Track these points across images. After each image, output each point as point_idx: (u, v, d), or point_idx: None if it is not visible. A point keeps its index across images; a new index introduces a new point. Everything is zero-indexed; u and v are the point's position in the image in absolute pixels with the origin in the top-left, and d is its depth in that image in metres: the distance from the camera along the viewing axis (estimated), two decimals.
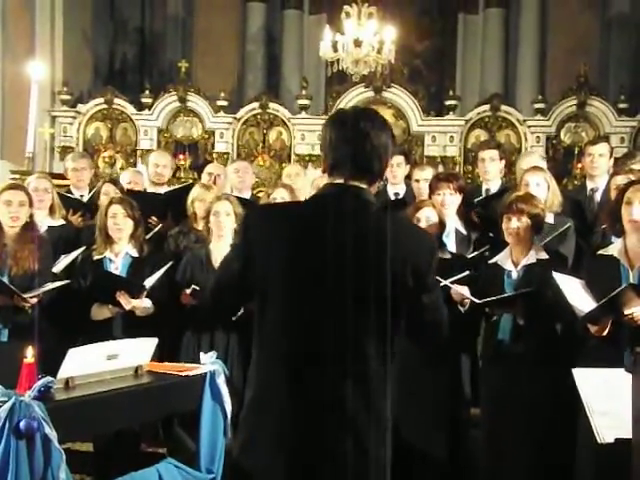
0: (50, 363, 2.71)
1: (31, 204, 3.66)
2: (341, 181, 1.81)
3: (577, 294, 2.79)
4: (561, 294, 2.80)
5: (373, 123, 1.81)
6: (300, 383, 1.74)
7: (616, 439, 1.87)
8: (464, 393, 3.59)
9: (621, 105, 7.96)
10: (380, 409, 1.79)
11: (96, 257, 3.69)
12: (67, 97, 8.59)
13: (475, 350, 3.59)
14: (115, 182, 4.55)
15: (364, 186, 1.81)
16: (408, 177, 4.84)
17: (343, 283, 1.73)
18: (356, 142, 1.79)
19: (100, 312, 3.55)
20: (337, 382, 1.73)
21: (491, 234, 3.81)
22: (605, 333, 2.73)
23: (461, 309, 3.33)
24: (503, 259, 3.33)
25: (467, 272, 3.29)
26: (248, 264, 1.80)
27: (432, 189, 3.98)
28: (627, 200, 2.80)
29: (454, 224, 3.91)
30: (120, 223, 3.65)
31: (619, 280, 2.75)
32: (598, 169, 4.38)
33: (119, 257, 3.69)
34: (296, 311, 1.77)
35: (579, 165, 7.01)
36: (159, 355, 3.21)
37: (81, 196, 4.84)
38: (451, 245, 3.85)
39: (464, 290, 3.25)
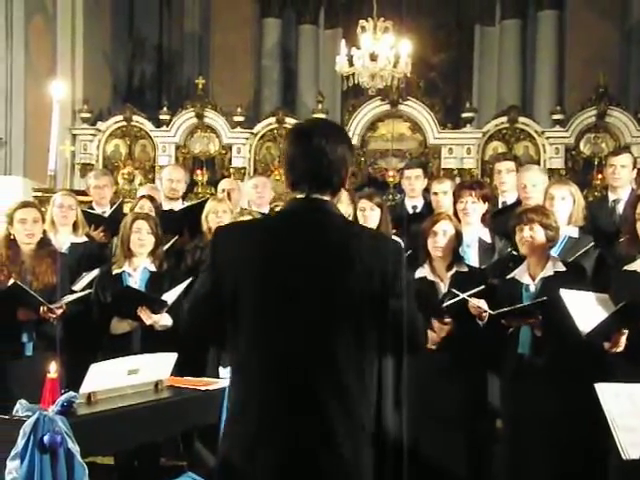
0: (73, 376, 2.74)
1: (44, 220, 3.79)
2: (303, 195, 1.83)
3: (587, 310, 2.76)
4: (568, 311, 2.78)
5: (327, 138, 1.82)
6: (274, 395, 1.76)
7: None
8: (486, 408, 3.55)
9: None
10: (360, 419, 1.78)
11: (115, 271, 3.74)
12: (87, 115, 8.71)
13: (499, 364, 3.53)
14: (152, 198, 4.59)
15: (327, 198, 1.84)
16: (426, 190, 4.82)
17: (313, 295, 1.75)
18: (312, 159, 1.81)
19: (119, 326, 3.58)
20: (313, 393, 1.74)
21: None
22: (621, 349, 2.70)
23: (480, 323, 3.31)
24: (520, 273, 3.31)
25: (483, 286, 3.26)
26: (218, 283, 1.81)
27: (455, 197, 3.96)
28: (639, 217, 2.78)
29: (477, 233, 3.87)
30: (144, 239, 3.71)
31: None
32: (620, 180, 4.33)
33: (137, 271, 3.73)
34: (269, 325, 1.78)
35: (599, 176, 6.95)
36: (181, 369, 3.22)
37: (103, 212, 4.90)
38: (474, 254, 3.81)
39: (481, 303, 3.23)
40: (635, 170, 4.34)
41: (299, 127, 1.97)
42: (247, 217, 3.81)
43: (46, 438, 2.22)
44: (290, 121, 8.59)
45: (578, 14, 9.48)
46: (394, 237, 3.88)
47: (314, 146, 1.81)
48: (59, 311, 3.46)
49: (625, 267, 2.92)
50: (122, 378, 2.76)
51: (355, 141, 8.28)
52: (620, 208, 4.21)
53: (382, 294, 1.79)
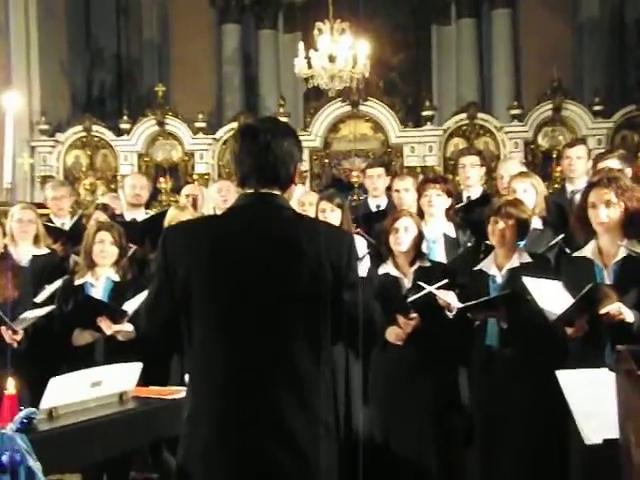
0: (38, 393, 2.68)
1: (4, 234, 3.71)
2: (252, 190, 1.85)
3: (551, 296, 2.80)
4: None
5: (273, 133, 1.85)
6: (232, 393, 1.75)
7: (604, 440, 1.85)
8: (458, 402, 3.57)
9: (596, 107, 8.04)
10: (318, 414, 1.78)
11: (77, 282, 3.67)
12: (45, 127, 8.59)
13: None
14: (106, 208, 4.54)
15: (276, 192, 1.85)
16: (389, 188, 4.84)
17: (264, 289, 1.76)
18: (258, 154, 1.83)
19: (81, 337, 3.52)
20: (269, 389, 1.74)
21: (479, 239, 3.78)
22: (581, 334, 2.74)
23: (449, 315, 3.32)
24: (487, 265, 3.34)
25: (446, 280, 3.29)
26: (170, 281, 1.81)
27: (419, 192, 3.97)
28: (591, 204, 2.82)
29: (442, 228, 3.89)
30: (106, 250, 3.65)
31: (594, 280, 2.75)
32: (576, 171, 4.40)
33: (100, 281, 3.68)
34: (223, 322, 1.77)
35: (558, 168, 7.06)
36: (146, 378, 3.18)
37: (62, 224, 4.82)
38: (440, 250, 3.82)
39: (450, 295, 3.25)
40: (590, 161, 4.41)
41: (245, 125, 1.99)
42: None
43: (5, 457, 2.16)
44: None
45: (531, 11, 9.66)
46: (356, 236, 3.90)
47: (260, 142, 1.83)
48: (19, 337, 3.41)
49: (575, 253, 2.97)
50: (85, 391, 2.70)
51: (318, 143, 8.30)
52: (578, 198, 4.27)
53: (335, 285, 1.80)
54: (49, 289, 3.80)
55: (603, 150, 6.77)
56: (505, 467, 3.18)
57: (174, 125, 8.60)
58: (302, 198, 4.39)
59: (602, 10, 9.58)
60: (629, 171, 3.96)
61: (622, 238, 2.81)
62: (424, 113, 8.36)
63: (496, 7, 9.87)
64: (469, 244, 3.83)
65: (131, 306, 3.44)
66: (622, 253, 2.80)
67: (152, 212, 5.30)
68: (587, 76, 9.51)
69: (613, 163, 3.96)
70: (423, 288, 3.25)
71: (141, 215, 4.88)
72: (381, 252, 3.64)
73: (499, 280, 3.26)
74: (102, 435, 2.64)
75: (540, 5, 9.58)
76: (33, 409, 2.37)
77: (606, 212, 2.78)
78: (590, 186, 2.91)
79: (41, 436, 2.38)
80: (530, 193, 3.77)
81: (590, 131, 7.88)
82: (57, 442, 2.48)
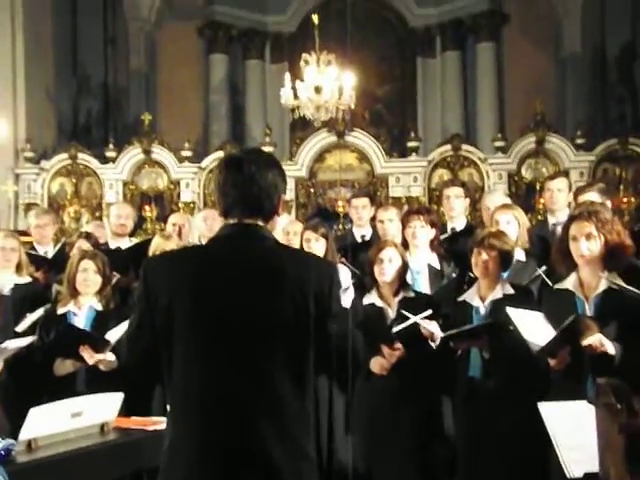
0: (15, 423, 2.64)
1: None
2: (235, 221, 1.85)
3: (535, 328, 2.81)
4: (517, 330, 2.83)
5: (258, 164, 1.84)
6: (211, 427, 1.73)
7: (585, 474, 1.86)
8: (442, 433, 3.55)
9: (578, 141, 8.18)
10: (299, 444, 1.77)
11: (60, 311, 3.64)
12: (30, 154, 8.59)
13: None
14: (89, 236, 4.53)
15: (260, 223, 1.85)
16: (374, 219, 4.86)
17: (246, 319, 1.76)
18: (243, 186, 1.83)
19: (63, 367, 3.47)
20: (249, 420, 1.73)
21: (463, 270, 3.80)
22: (563, 366, 2.75)
23: (432, 345, 3.33)
24: (471, 296, 3.35)
25: (430, 311, 3.30)
26: (151, 310, 1.80)
27: (404, 223, 4.00)
28: (572, 237, 2.86)
29: (426, 259, 3.91)
30: (90, 279, 3.63)
31: (576, 312, 2.78)
32: (558, 204, 4.45)
33: (83, 310, 3.64)
34: (203, 352, 1.77)
35: (541, 200, 7.15)
36: (129, 409, 3.14)
37: (45, 252, 4.79)
38: (424, 281, 3.84)
39: (432, 325, 3.26)
40: (571, 193, 4.47)
41: (229, 156, 2.00)
42: None
43: None
44: None
45: (514, 46, 9.89)
46: (340, 265, 3.92)
47: (244, 173, 1.83)
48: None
49: (556, 286, 2.99)
50: (65, 422, 2.67)
51: (304, 173, 8.36)
52: (559, 231, 4.32)
53: (318, 315, 1.79)
54: (30, 318, 3.76)
55: (585, 182, 6.89)
56: None
57: (160, 153, 8.63)
58: (287, 227, 4.40)
59: (584, 46, 9.82)
60: (609, 204, 4.02)
61: (603, 271, 2.84)
62: (409, 144, 8.47)
63: (480, 41, 10.10)
64: (453, 275, 3.86)
65: (114, 335, 3.41)
66: (603, 286, 2.83)
67: (136, 240, 5.29)
68: (570, 110, 9.71)
69: (593, 196, 4.02)
70: (407, 318, 3.25)
71: (126, 244, 4.87)
72: (365, 282, 3.65)
73: (482, 311, 3.28)
74: (82, 467, 2.60)
75: (524, 40, 9.80)
76: (12, 440, 2.33)
77: (587, 245, 2.82)
78: (571, 219, 2.95)
79: (20, 468, 2.34)
80: (513, 225, 3.81)
81: (572, 164, 8.01)
82: (36, 474, 2.44)
